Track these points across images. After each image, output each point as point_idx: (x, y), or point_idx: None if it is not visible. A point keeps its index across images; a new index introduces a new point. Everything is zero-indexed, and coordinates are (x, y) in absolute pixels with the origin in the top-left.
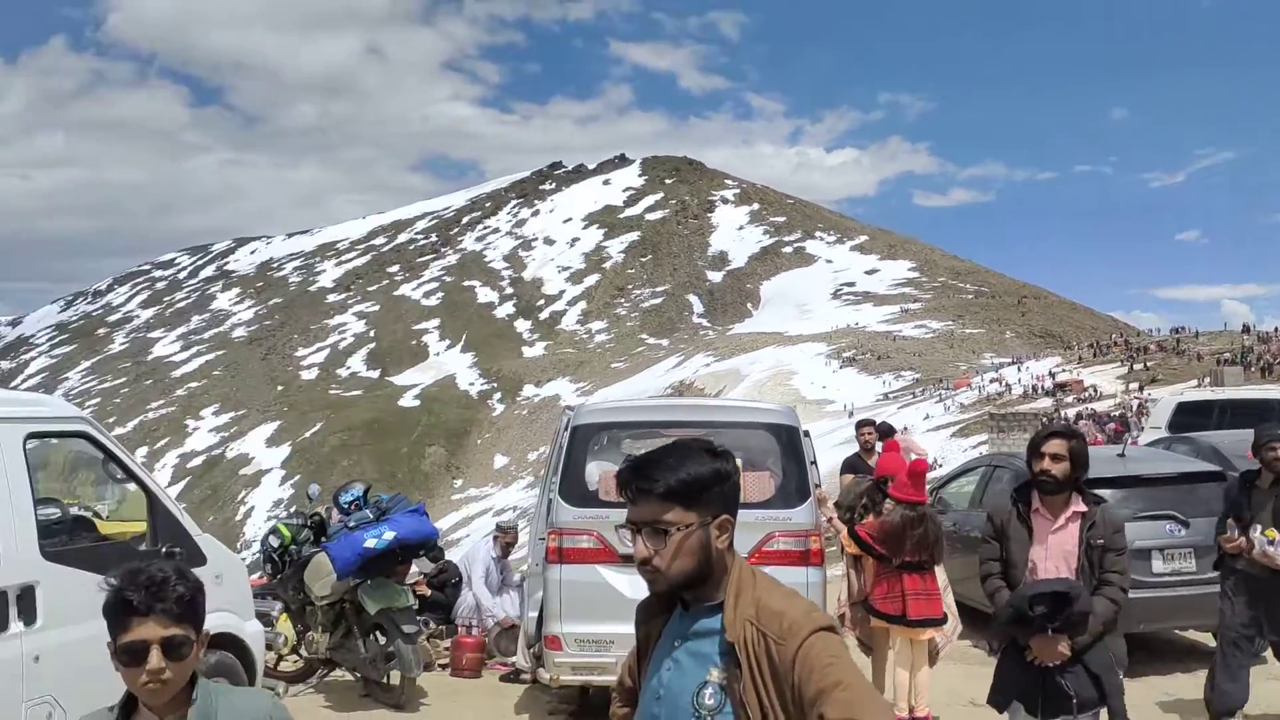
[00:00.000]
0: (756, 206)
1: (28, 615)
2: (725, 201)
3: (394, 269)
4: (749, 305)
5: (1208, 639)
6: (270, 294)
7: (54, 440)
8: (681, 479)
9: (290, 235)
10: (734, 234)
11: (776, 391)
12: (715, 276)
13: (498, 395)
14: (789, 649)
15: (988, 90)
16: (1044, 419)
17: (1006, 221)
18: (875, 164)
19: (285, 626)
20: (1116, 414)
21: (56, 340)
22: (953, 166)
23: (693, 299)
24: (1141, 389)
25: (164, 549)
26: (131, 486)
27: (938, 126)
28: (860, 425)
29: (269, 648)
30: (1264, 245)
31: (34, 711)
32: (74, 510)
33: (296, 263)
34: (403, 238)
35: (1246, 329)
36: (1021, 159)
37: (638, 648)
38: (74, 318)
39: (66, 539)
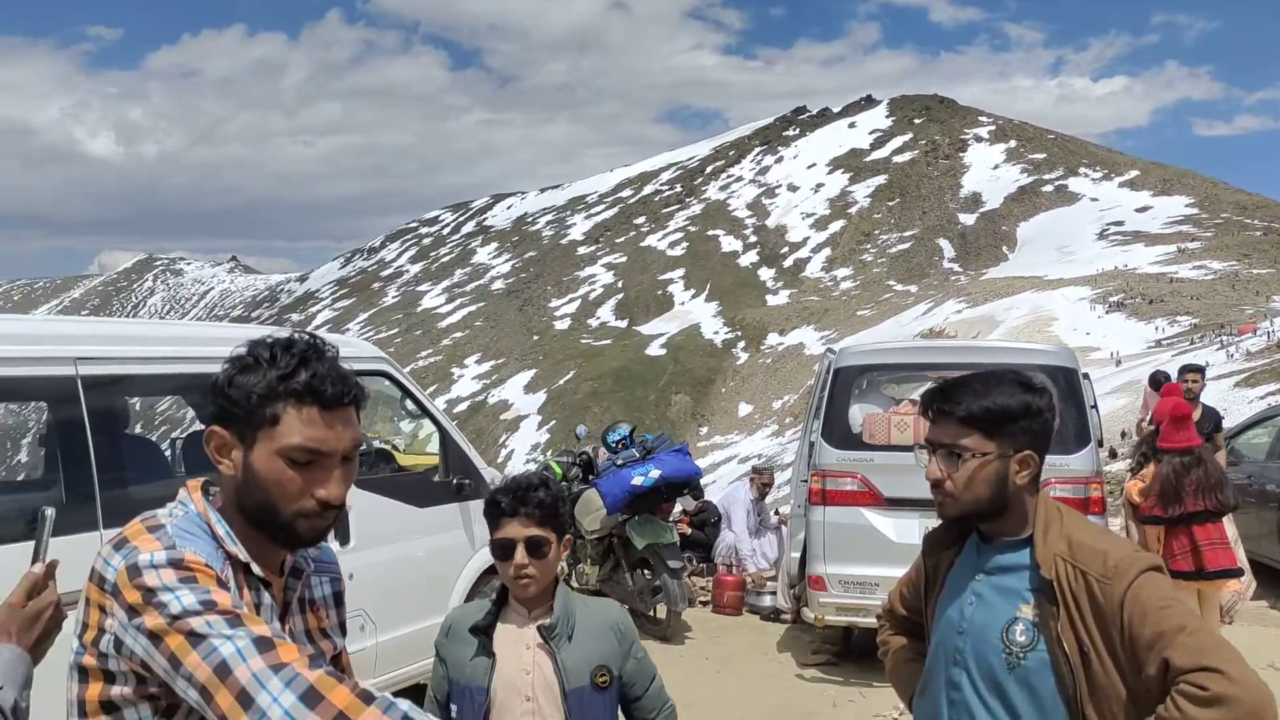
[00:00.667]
0: (1013, 144)
1: (343, 536)
2: (979, 140)
3: (640, 220)
4: (1004, 248)
5: None
6: (525, 247)
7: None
8: (984, 406)
9: (543, 190)
10: (988, 174)
11: (1035, 338)
12: (967, 219)
13: (741, 344)
14: (1116, 589)
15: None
16: None
17: None
18: (1148, 92)
19: None
20: None
21: (338, 294)
22: (1239, 91)
23: (943, 243)
24: None
25: (454, 480)
26: (425, 422)
27: (1221, 48)
28: (1184, 371)
29: None
30: None
31: (349, 624)
32: (376, 444)
33: (549, 217)
34: (648, 189)
35: None
36: None
37: (925, 578)
38: (352, 273)
39: (370, 469)
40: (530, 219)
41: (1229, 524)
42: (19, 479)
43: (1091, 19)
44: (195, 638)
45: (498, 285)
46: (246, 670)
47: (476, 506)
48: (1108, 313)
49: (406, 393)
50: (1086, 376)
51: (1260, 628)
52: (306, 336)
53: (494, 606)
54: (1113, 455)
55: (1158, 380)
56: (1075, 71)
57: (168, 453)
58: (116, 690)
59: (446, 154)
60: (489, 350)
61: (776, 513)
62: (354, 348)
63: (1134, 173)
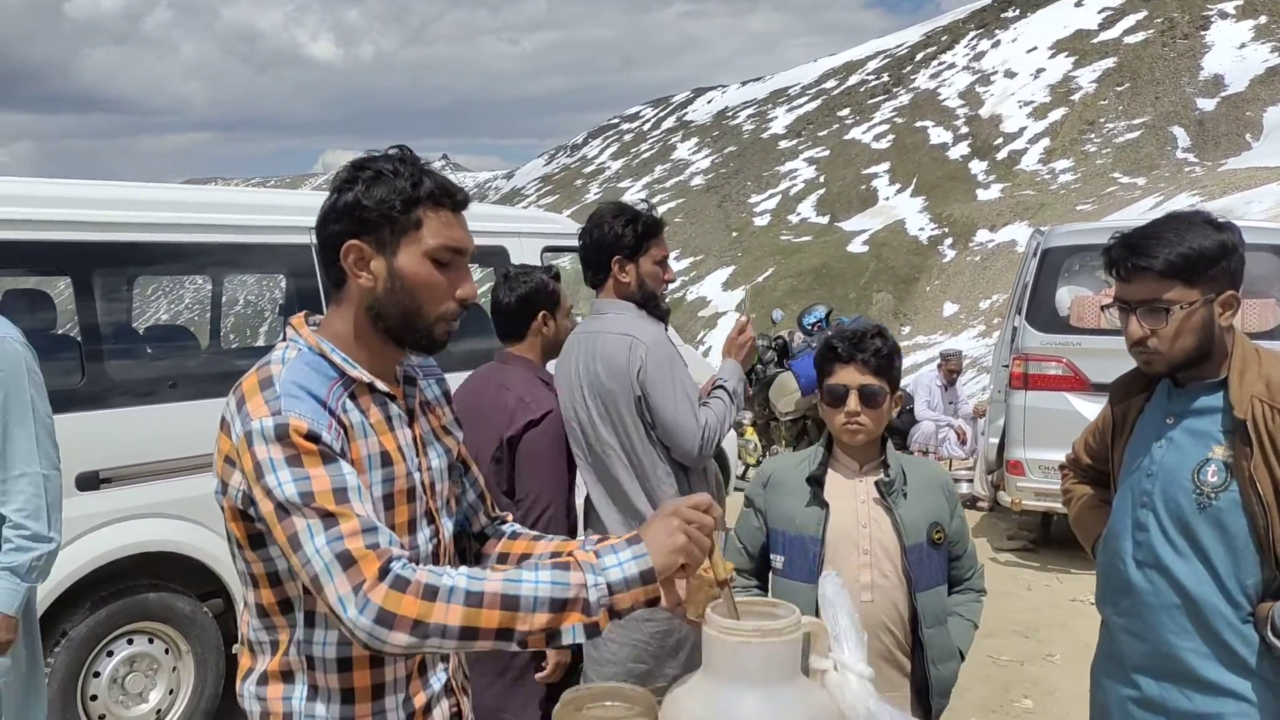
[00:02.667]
0: (1264, 20)
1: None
2: (1224, 16)
3: (844, 112)
4: (1247, 136)
5: None
6: (725, 142)
7: (564, 256)
8: (1183, 253)
9: (744, 83)
10: (1233, 54)
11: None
12: (1206, 105)
13: (949, 241)
14: None
15: None
16: None
17: None
18: None
19: (753, 436)
20: None
21: (542, 191)
22: None
23: (1177, 131)
24: None
25: None
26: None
27: None
28: None
29: (740, 454)
30: None
31: None
32: None
33: (750, 110)
34: (854, 79)
35: None
36: None
37: (1113, 425)
38: (556, 170)
39: None
40: (730, 113)
41: None
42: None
43: None
44: (295, 542)
45: (697, 181)
46: (332, 591)
47: None
48: None
49: None
50: None
51: None
52: (404, 149)
53: (824, 453)
54: None
55: None
56: None
57: None
58: (258, 528)
59: (647, 48)
60: (688, 247)
61: (969, 400)
62: (560, 224)
63: None
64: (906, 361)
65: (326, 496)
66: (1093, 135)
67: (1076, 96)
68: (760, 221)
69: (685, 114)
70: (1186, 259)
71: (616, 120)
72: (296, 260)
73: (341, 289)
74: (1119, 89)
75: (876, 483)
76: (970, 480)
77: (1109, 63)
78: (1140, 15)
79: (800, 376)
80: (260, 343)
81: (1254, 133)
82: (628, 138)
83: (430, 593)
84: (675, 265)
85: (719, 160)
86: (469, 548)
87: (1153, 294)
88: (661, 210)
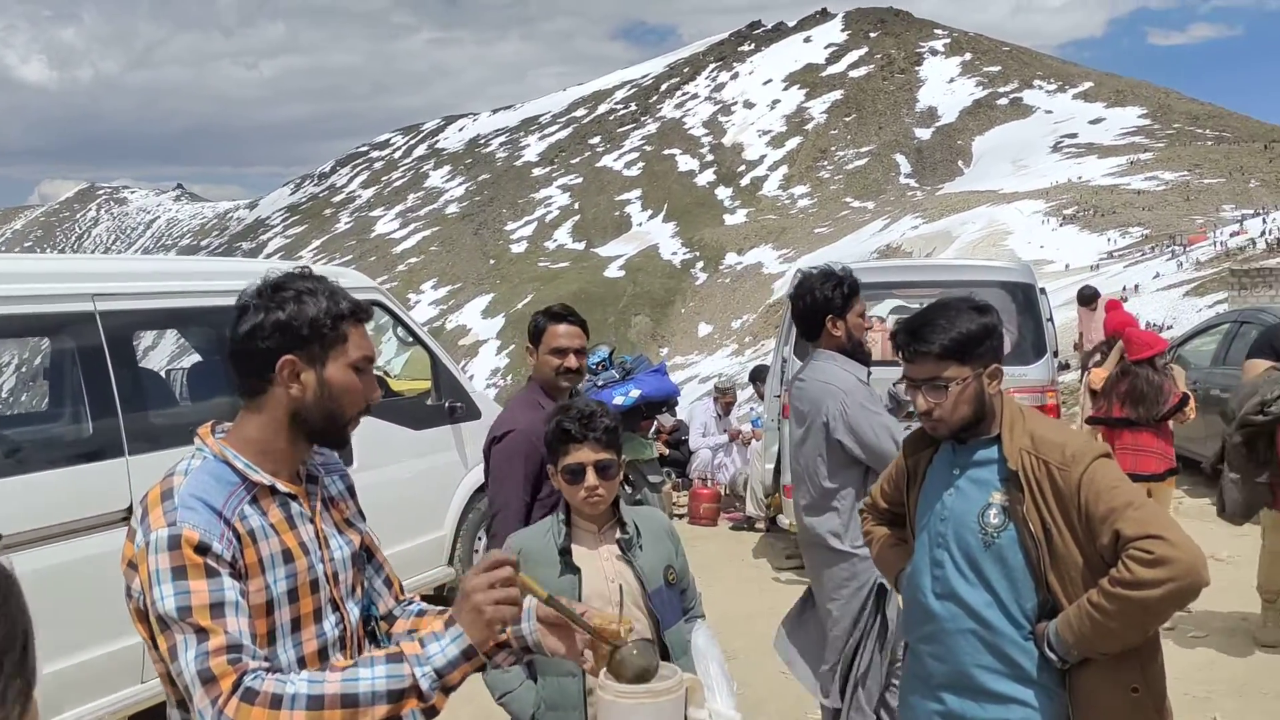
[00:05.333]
0: (969, 57)
1: (345, 458)
2: (934, 53)
3: (595, 140)
4: (959, 163)
5: None
6: (479, 170)
7: None
8: (954, 338)
9: (495, 111)
10: (944, 88)
11: (989, 253)
12: (923, 134)
13: (700, 264)
14: (1073, 474)
15: None
16: None
17: (1255, 58)
18: (1104, 1)
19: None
20: None
21: (289, 221)
22: None
23: (899, 159)
24: None
25: (447, 403)
26: (417, 349)
27: None
28: None
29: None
30: None
31: None
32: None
33: (502, 138)
34: (603, 108)
35: None
36: None
37: (906, 475)
38: (303, 199)
39: None
40: (483, 141)
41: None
42: (40, 409)
43: None
44: (172, 653)
45: (452, 209)
46: (196, 703)
47: (469, 428)
48: (1061, 225)
49: (399, 321)
50: (1043, 291)
51: (1201, 523)
52: (307, 269)
53: (565, 527)
54: (1065, 367)
55: (1086, 296)
56: None
57: (172, 384)
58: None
59: (396, 75)
60: (445, 275)
61: (740, 432)
62: (349, 279)
63: (1087, 84)
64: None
65: (203, 611)
66: (826, 163)
67: (810, 126)
68: (517, 248)
69: (437, 141)
70: (957, 342)
71: (366, 148)
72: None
73: (259, 397)
74: (847, 119)
75: (618, 540)
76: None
77: (837, 95)
78: (862, 51)
79: None
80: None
81: (965, 160)
82: (378, 165)
83: (275, 701)
84: (433, 294)
85: (473, 188)
86: (378, 629)
87: (933, 373)
88: (415, 239)
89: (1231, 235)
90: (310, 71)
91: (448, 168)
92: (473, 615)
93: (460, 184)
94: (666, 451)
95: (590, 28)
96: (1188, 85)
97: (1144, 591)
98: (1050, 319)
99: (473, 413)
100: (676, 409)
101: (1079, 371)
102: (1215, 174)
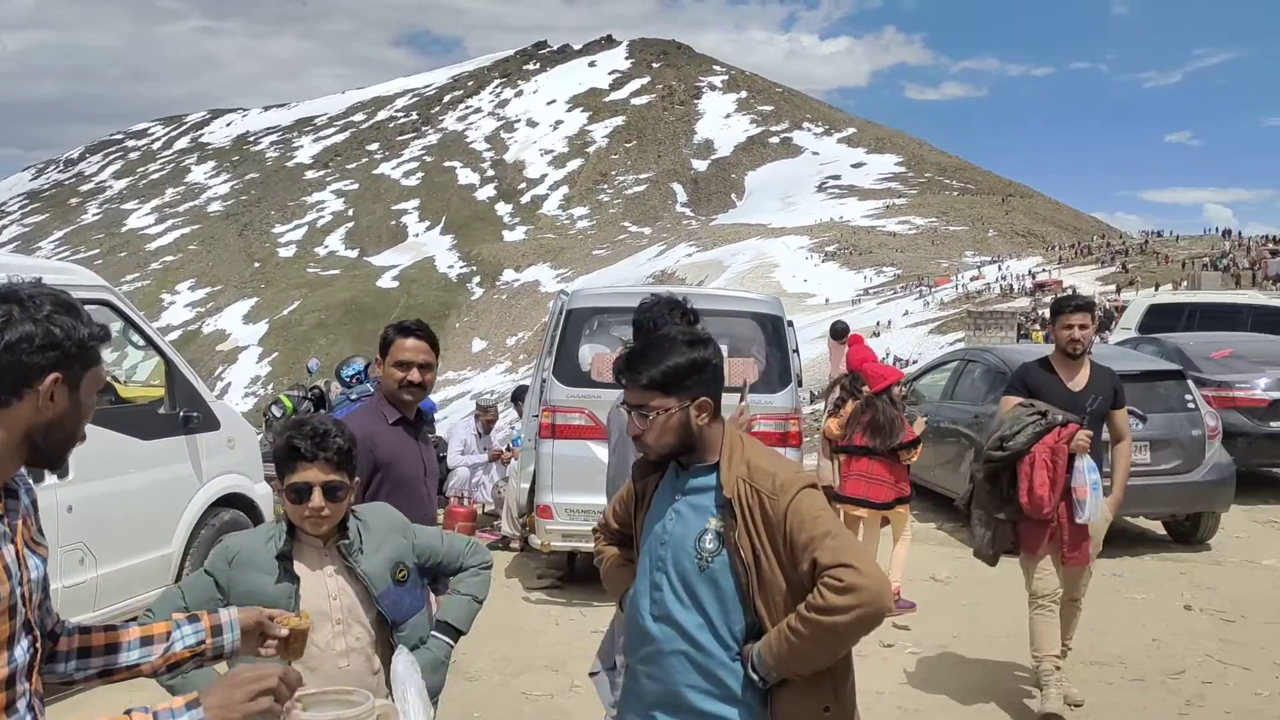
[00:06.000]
0: (744, 94)
1: (63, 470)
2: (713, 88)
3: (373, 147)
4: (733, 196)
5: (1156, 526)
6: (247, 168)
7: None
8: (661, 370)
9: (267, 108)
10: (720, 122)
11: (757, 284)
12: (700, 165)
13: (477, 279)
14: (781, 503)
15: None
16: (1021, 318)
17: (998, 118)
18: (869, 54)
19: None
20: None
21: (28, 209)
22: (946, 59)
23: (676, 188)
24: (1119, 291)
25: (182, 413)
26: (151, 354)
27: (934, 17)
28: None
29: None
30: (1256, 149)
31: (67, 556)
32: None
33: (273, 137)
34: (383, 115)
35: (1226, 233)
36: (1018, 54)
37: (635, 498)
38: (45, 186)
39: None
40: (252, 138)
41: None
42: None
43: None
44: None
45: (215, 207)
46: None
47: (206, 439)
48: (823, 261)
49: (130, 324)
50: (791, 324)
51: (926, 545)
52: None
53: (286, 535)
54: (813, 398)
55: (838, 331)
56: (805, 28)
57: None
58: None
59: (159, 62)
60: (204, 276)
61: (501, 451)
62: (73, 276)
63: (851, 130)
64: (436, 398)
65: None
66: (605, 186)
67: (591, 149)
68: (285, 253)
69: (201, 135)
70: (665, 375)
71: (121, 136)
72: None
73: None
74: (628, 145)
75: (338, 546)
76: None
77: (619, 120)
78: (644, 80)
79: None
80: None
81: (738, 192)
82: (134, 156)
83: None
84: (190, 296)
85: (240, 187)
86: (44, 647)
87: (641, 401)
88: (173, 237)
89: (971, 279)
90: (61, 49)
91: (212, 163)
92: (222, 712)
93: (225, 181)
94: None
95: (371, 31)
96: (939, 138)
97: (834, 617)
98: (796, 350)
99: (210, 423)
100: (435, 425)
101: (822, 402)
102: (960, 222)
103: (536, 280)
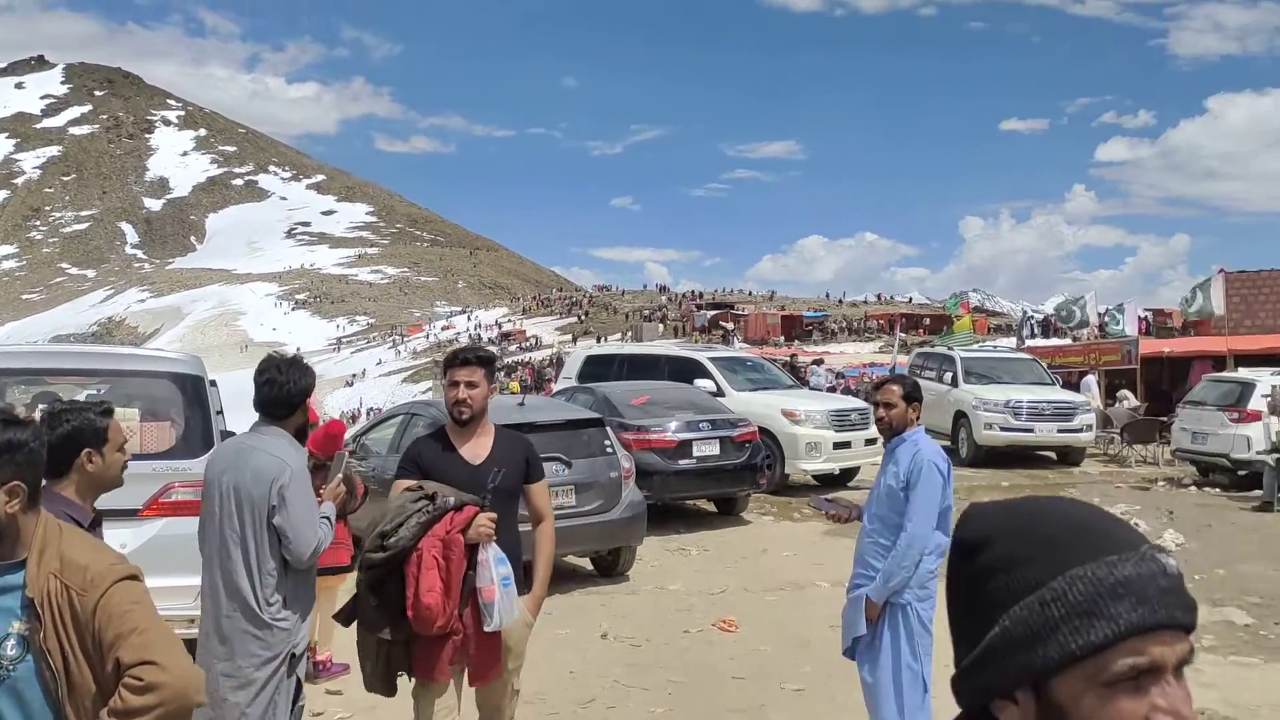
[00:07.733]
0: (204, 132)
1: None
2: (168, 123)
3: None
4: (193, 238)
5: (585, 562)
6: None
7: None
8: None
9: None
10: (177, 160)
11: (221, 332)
12: (154, 204)
13: None
14: (91, 599)
15: (453, 40)
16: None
17: (465, 173)
18: (338, 102)
19: None
20: (547, 365)
21: None
22: (415, 114)
23: (126, 227)
24: (575, 340)
25: None
26: None
27: (403, 72)
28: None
29: None
30: (684, 215)
31: None
32: None
33: None
34: None
35: (663, 289)
36: (481, 114)
37: None
38: None
39: None
40: None
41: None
42: None
43: (288, 21)
44: None
45: None
46: None
47: None
48: (294, 309)
49: None
50: (214, 383)
51: None
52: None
53: None
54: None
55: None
56: (270, 70)
57: None
58: None
59: None
60: None
61: None
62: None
63: (321, 177)
64: None
65: None
66: (39, 222)
67: (20, 181)
68: None
69: None
70: None
71: None
72: None
73: None
74: (66, 179)
75: None
76: None
77: (54, 150)
78: (86, 108)
79: None
80: None
81: (199, 235)
82: None
83: None
84: None
85: None
86: None
87: None
88: None
89: (443, 329)
90: None
91: None
92: None
93: None
94: None
95: None
96: (410, 190)
97: (135, 719)
98: (220, 411)
99: None
100: None
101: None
102: (431, 273)
103: None
